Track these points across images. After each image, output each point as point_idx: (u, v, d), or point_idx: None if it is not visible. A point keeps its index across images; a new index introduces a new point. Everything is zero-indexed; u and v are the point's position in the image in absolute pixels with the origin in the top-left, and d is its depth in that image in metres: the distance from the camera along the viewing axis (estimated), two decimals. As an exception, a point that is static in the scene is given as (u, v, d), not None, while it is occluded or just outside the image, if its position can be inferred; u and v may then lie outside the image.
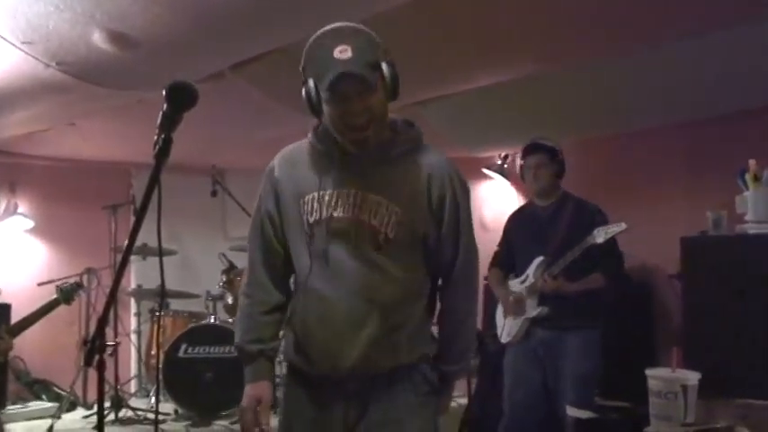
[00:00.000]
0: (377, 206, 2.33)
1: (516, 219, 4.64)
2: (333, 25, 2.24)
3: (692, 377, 2.50)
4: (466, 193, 2.43)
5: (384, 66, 2.21)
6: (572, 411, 5.08)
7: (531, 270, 4.34)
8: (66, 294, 5.09)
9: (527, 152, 4.53)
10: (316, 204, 2.37)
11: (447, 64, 4.58)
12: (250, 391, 2.45)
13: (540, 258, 4.30)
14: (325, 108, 2.25)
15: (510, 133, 6.24)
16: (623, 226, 4.10)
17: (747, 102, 5.07)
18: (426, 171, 2.37)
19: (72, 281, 5.23)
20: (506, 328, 4.45)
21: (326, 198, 2.36)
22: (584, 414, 5.01)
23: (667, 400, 2.45)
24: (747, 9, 3.94)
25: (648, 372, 2.57)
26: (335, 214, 2.35)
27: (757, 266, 4.10)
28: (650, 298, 5.77)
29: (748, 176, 4.30)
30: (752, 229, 4.23)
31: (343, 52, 2.14)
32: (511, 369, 4.47)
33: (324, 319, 2.36)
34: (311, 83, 2.20)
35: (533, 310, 4.30)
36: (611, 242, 4.17)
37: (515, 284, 4.44)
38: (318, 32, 2.24)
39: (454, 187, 2.39)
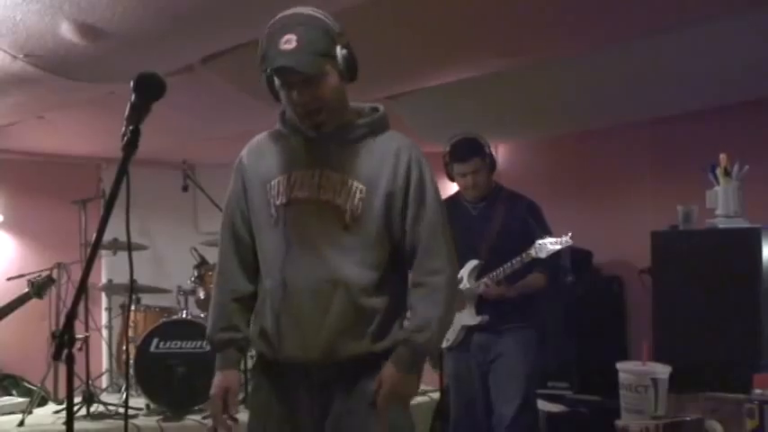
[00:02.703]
0: (340, 185, 2.35)
1: (447, 211, 4.54)
2: (286, 12, 2.29)
3: (663, 371, 2.51)
4: (432, 177, 2.45)
5: (338, 50, 2.27)
6: (544, 405, 5.13)
7: (464, 273, 4.26)
8: (38, 289, 5.04)
9: (459, 159, 4.33)
10: (281, 188, 2.40)
11: (417, 59, 4.56)
12: (218, 380, 2.47)
13: (475, 262, 4.24)
14: (281, 95, 2.33)
15: (481, 128, 6.23)
16: (569, 241, 4.04)
17: (718, 97, 5.10)
18: (391, 152, 2.39)
19: (44, 275, 5.18)
20: None
21: (291, 180, 2.39)
22: (555, 408, 5.06)
23: (638, 393, 2.46)
24: (715, 6, 3.97)
25: (619, 365, 2.58)
26: (299, 195, 2.37)
27: (727, 261, 4.13)
28: (621, 293, 5.81)
29: (719, 171, 4.32)
30: (722, 223, 4.26)
31: (287, 43, 2.20)
32: (453, 376, 4.46)
33: (290, 304, 2.36)
34: (268, 71, 2.27)
35: (473, 318, 4.25)
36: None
37: None
38: (273, 20, 2.29)
39: (421, 168, 2.40)
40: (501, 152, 6.96)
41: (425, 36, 4.20)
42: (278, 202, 2.40)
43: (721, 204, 4.29)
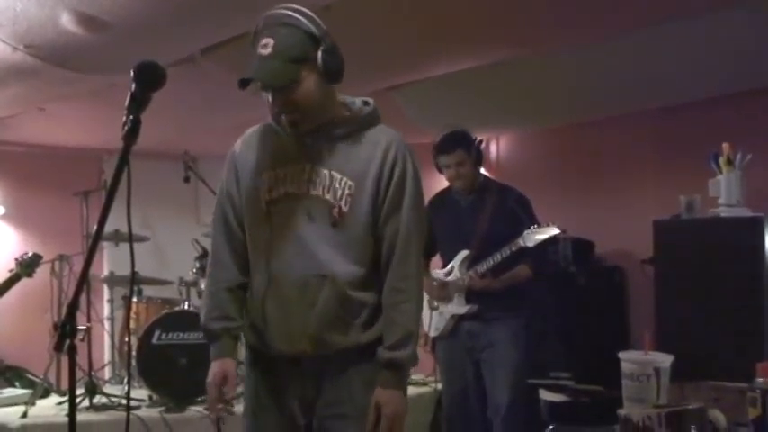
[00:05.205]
0: (329, 180, 2.37)
1: (437, 206, 4.54)
2: (272, 10, 2.31)
3: (665, 360, 2.51)
4: (415, 173, 2.43)
5: (318, 54, 2.28)
6: (546, 395, 5.14)
7: (456, 263, 4.35)
8: (26, 266, 4.98)
9: (443, 150, 4.37)
10: (271, 182, 2.42)
11: (418, 49, 4.55)
12: (215, 367, 2.48)
13: (465, 252, 4.31)
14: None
15: (483, 119, 6.24)
16: (555, 230, 4.10)
17: (721, 86, 5.09)
18: (379, 148, 2.40)
19: (30, 252, 5.15)
20: (433, 322, 4.46)
21: (281, 175, 2.42)
22: (558, 397, 5.07)
23: (640, 382, 2.45)
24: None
25: (621, 355, 2.58)
26: (290, 190, 2.40)
27: (729, 249, 4.13)
28: (623, 283, 5.80)
29: (721, 160, 4.32)
30: (724, 212, 4.26)
31: (265, 47, 2.25)
32: (444, 365, 4.53)
33: (278, 297, 2.39)
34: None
35: (462, 307, 4.31)
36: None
37: (440, 276, 4.44)
38: (261, 16, 2.33)
39: (405, 165, 2.40)
40: (503, 143, 6.96)
41: (427, 26, 4.20)
42: (268, 197, 2.43)
43: (724, 193, 4.29)
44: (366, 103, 2.52)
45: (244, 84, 2.25)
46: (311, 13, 2.32)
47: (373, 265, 2.42)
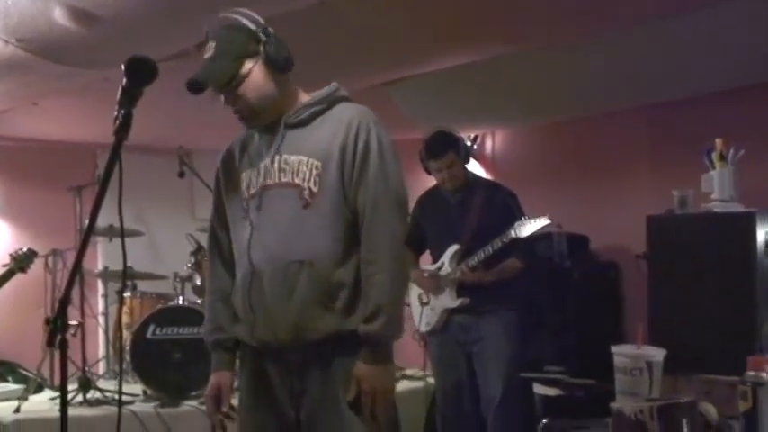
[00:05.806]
0: (297, 165, 2.42)
1: (426, 203, 4.56)
2: (211, 18, 2.45)
3: (658, 354, 2.51)
4: (380, 143, 2.43)
5: (261, 47, 2.39)
6: (540, 389, 5.15)
7: (446, 258, 4.37)
8: (21, 261, 4.96)
9: (433, 155, 4.36)
10: (248, 181, 2.51)
11: (414, 44, 4.55)
12: (211, 380, 2.58)
13: (456, 247, 4.33)
14: None
15: (478, 115, 6.24)
16: (546, 221, 4.14)
17: (715, 82, 5.10)
18: (343, 123, 2.44)
19: (25, 248, 5.13)
20: (424, 317, 4.47)
21: (256, 172, 2.49)
22: (551, 391, 5.07)
23: (633, 376, 2.46)
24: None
25: (614, 348, 2.58)
26: (263, 183, 2.46)
27: (722, 244, 4.14)
28: (618, 278, 5.81)
29: (714, 155, 4.32)
30: (717, 207, 4.26)
31: (208, 50, 2.39)
32: (437, 360, 4.55)
33: (258, 288, 2.42)
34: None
35: (453, 300, 4.33)
36: None
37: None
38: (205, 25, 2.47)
39: (368, 135, 2.42)
40: (498, 139, 6.95)
41: (422, 21, 4.19)
42: (246, 195, 2.50)
43: (717, 189, 4.30)
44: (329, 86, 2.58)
45: (191, 87, 2.35)
46: (248, 11, 2.43)
47: (350, 243, 2.42)
